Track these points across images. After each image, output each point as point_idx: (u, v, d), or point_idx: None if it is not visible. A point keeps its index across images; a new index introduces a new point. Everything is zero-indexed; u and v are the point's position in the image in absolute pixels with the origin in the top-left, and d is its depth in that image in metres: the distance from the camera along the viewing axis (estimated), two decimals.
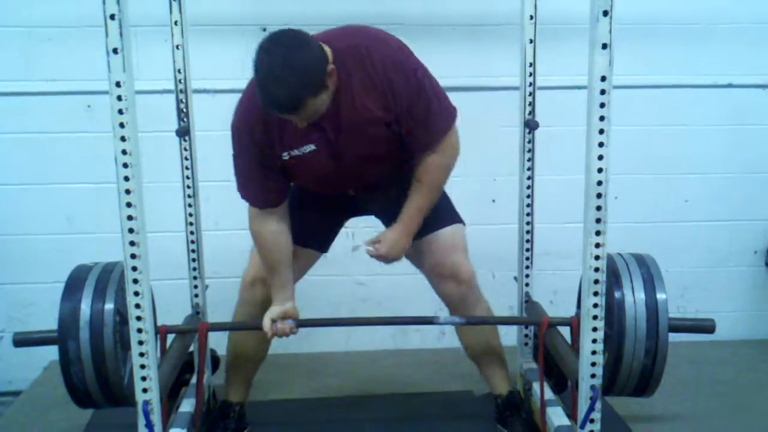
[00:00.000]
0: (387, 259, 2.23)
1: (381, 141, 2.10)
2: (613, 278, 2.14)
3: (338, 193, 2.32)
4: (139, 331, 1.88)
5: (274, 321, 2.24)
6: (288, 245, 2.23)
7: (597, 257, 1.88)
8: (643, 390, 2.18)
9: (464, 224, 2.43)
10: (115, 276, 2.12)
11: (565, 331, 2.38)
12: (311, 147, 2.06)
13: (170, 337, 2.34)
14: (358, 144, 2.08)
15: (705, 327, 2.24)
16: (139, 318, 1.87)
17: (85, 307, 2.04)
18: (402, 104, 2.03)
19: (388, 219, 2.39)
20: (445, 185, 2.25)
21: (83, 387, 2.06)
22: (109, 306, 2.05)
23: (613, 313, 2.10)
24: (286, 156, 2.07)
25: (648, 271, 2.16)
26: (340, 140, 2.06)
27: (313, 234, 2.38)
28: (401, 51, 2.07)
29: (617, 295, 2.11)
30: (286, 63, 1.82)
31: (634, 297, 2.11)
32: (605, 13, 1.71)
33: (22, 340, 2.16)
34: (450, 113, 2.15)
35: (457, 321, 2.41)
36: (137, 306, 1.87)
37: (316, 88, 1.87)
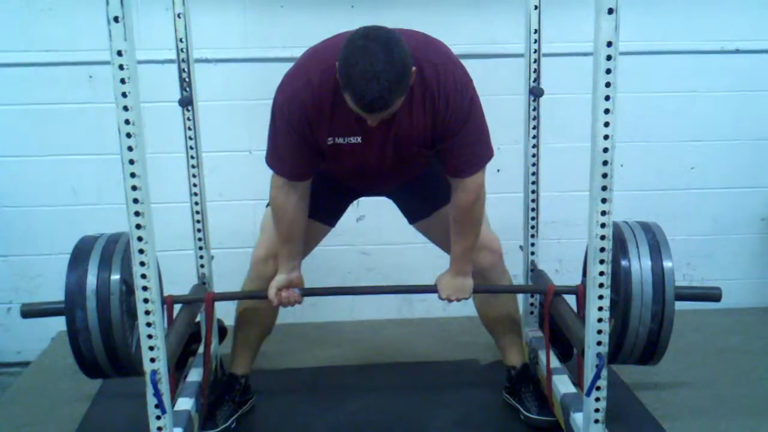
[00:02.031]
0: (451, 300, 2.32)
1: (419, 152, 2.10)
2: (620, 246, 2.13)
3: (360, 185, 2.35)
4: (146, 301, 1.89)
5: (279, 290, 2.24)
6: (305, 219, 2.23)
7: (603, 225, 1.87)
8: (649, 358, 2.18)
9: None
10: (121, 246, 2.11)
11: (571, 300, 2.39)
12: (357, 139, 2.04)
13: (177, 308, 2.34)
14: (400, 152, 2.09)
15: (712, 295, 2.23)
16: (145, 288, 1.88)
17: (92, 278, 2.03)
18: (451, 124, 2.00)
19: (400, 201, 2.44)
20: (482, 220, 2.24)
21: (91, 357, 2.06)
22: (116, 276, 2.04)
23: (620, 280, 2.09)
24: (330, 141, 2.04)
25: (654, 239, 2.15)
26: (387, 143, 2.05)
27: (323, 207, 2.36)
28: (464, 74, 2.04)
29: (623, 263, 2.10)
30: (388, 60, 1.76)
31: (640, 264, 2.10)
32: None
33: (30, 311, 2.17)
34: (487, 150, 2.12)
35: None
36: (143, 276, 1.87)
37: (406, 88, 1.83)
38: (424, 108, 1.99)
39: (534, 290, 2.70)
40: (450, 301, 2.32)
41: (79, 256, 2.08)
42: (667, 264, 2.10)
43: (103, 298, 2.02)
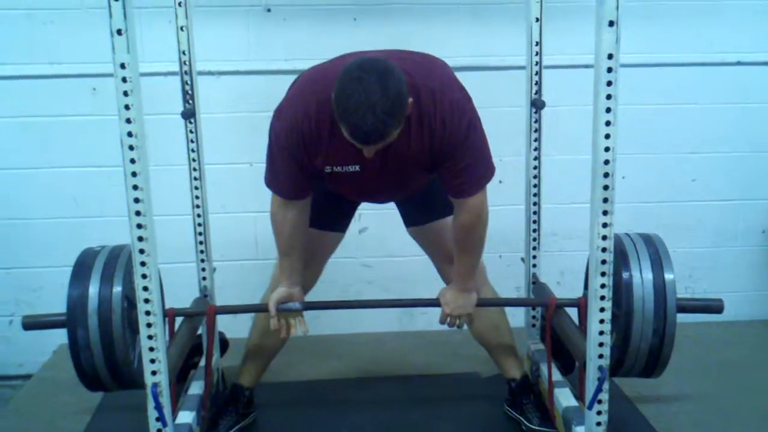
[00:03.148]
0: (455, 317, 2.31)
1: (421, 176, 2.14)
2: (621, 258, 2.13)
3: (362, 199, 2.38)
4: (147, 313, 1.89)
5: (279, 304, 2.24)
6: (304, 234, 2.24)
7: (604, 237, 1.87)
8: (651, 370, 2.18)
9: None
10: (123, 260, 2.12)
11: (573, 312, 2.38)
12: (356, 168, 2.05)
13: (178, 320, 2.34)
14: (400, 175, 2.11)
15: (713, 307, 2.23)
16: (147, 300, 1.88)
17: (93, 292, 2.04)
18: (450, 147, 2.01)
19: (401, 204, 2.44)
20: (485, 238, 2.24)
21: (93, 371, 2.07)
22: (117, 289, 2.05)
23: (621, 293, 2.10)
24: (328, 170, 2.06)
25: (656, 251, 2.15)
26: (385, 169, 2.06)
27: (330, 217, 2.39)
28: (462, 96, 2.05)
29: (625, 275, 2.11)
30: (383, 92, 1.76)
31: (642, 277, 2.10)
32: None
33: (32, 324, 2.17)
34: (488, 171, 2.12)
35: None
36: (145, 288, 1.87)
37: (402, 119, 1.84)
38: (422, 133, 1.99)
39: (536, 303, 2.70)
40: (452, 321, 2.32)
41: (81, 269, 2.09)
42: (668, 276, 2.10)
43: (105, 313, 2.02)
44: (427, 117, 1.97)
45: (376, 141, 1.83)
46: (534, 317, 2.78)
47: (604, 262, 1.89)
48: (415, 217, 2.44)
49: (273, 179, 2.14)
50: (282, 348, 2.54)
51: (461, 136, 2.00)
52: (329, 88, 1.84)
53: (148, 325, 1.90)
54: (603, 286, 1.91)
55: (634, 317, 2.09)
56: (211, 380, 2.52)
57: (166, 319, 2.24)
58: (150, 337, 1.91)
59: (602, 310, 1.92)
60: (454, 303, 2.29)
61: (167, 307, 2.27)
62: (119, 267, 2.10)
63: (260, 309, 2.33)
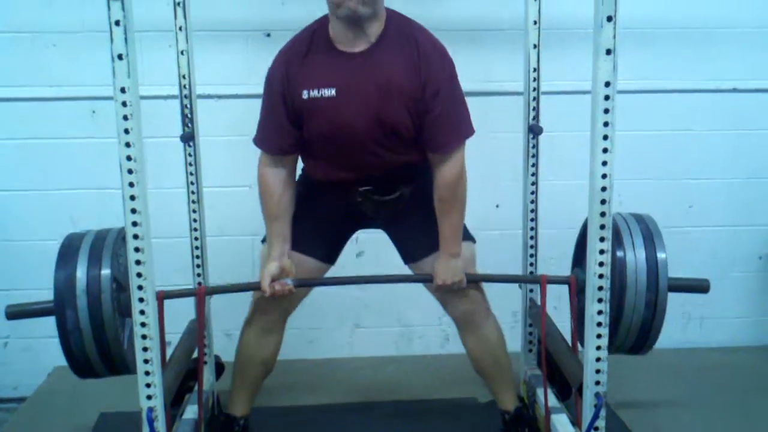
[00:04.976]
0: (450, 285, 2.28)
1: (400, 113, 2.12)
2: (615, 237, 2.11)
3: (347, 181, 2.27)
4: (144, 337, 1.88)
5: (272, 280, 2.23)
6: (292, 198, 2.28)
7: (601, 264, 1.88)
8: (641, 346, 2.18)
9: (474, 241, 2.41)
10: (110, 242, 2.06)
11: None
12: (331, 91, 2.11)
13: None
14: (379, 105, 2.11)
15: (700, 287, 2.27)
16: (143, 324, 1.87)
17: (81, 274, 1.98)
18: (431, 86, 2.09)
19: (396, 234, 2.42)
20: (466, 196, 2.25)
21: (83, 355, 2.00)
22: (106, 272, 1.98)
23: (615, 270, 2.08)
24: (305, 95, 2.12)
25: (647, 230, 2.18)
26: (362, 92, 2.10)
27: (318, 242, 2.36)
28: (444, 48, 2.17)
29: (619, 253, 2.10)
30: None
31: (635, 255, 2.12)
32: (609, 19, 1.71)
33: (16, 313, 2.09)
34: (468, 124, 2.20)
35: None
36: (142, 312, 1.87)
37: None
38: (404, 61, 2.09)
39: (528, 280, 2.73)
40: (446, 286, 2.27)
41: (68, 253, 2.04)
42: (660, 255, 2.12)
43: (94, 297, 1.97)
44: (409, 49, 2.11)
45: None
46: (530, 342, 2.78)
47: (600, 288, 1.89)
48: (411, 250, 2.39)
49: (262, 135, 2.25)
50: (272, 371, 2.49)
51: (445, 79, 2.12)
52: (306, 30, 2.15)
53: (145, 350, 1.89)
54: (600, 312, 1.91)
55: (626, 292, 2.09)
56: (207, 405, 2.50)
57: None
58: (146, 361, 1.90)
59: (599, 336, 1.92)
60: (447, 272, 2.26)
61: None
62: (106, 249, 2.04)
63: (253, 288, 2.31)
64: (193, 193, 2.60)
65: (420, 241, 2.35)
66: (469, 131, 2.20)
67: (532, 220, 2.71)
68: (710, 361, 3.23)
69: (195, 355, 2.53)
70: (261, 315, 2.38)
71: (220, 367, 2.81)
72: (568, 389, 2.56)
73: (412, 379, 3.16)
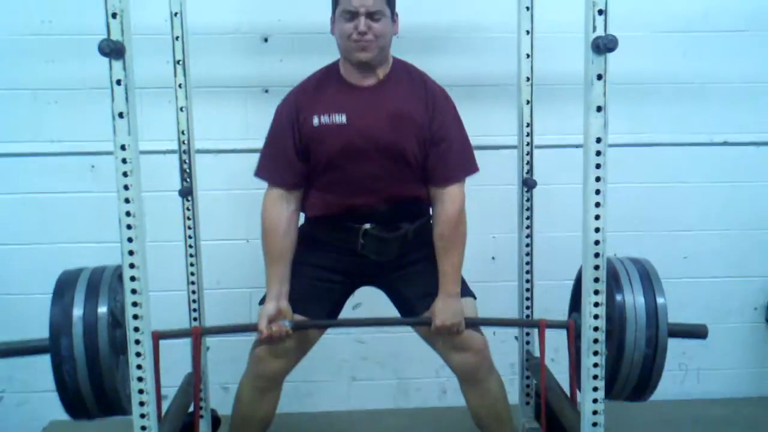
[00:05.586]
0: (449, 327, 2.22)
1: (409, 140, 2.19)
2: (614, 283, 2.16)
3: (350, 216, 2.26)
4: (141, 391, 1.88)
5: (269, 322, 2.20)
6: (294, 241, 2.28)
7: (596, 317, 1.89)
8: (644, 388, 2.16)
9: (475, 298, 2.39)
10: (107, 278, 2.05)
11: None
12: (342, 117, 2.17)
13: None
14: (389, 131, 2.18)
15: (699, 332, 2.29)
16: (140, 379, 1.87)
17: (78, 311, 1.97)
18: (438, 120, 2.20)
19: (395, 290, 2.39)
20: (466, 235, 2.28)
21: (76, 391, 1.97)
22: (103, 309, 1.97)
23: (614, 315, 2.09)
24: (316, 122, 2.18)
25: (647, 277, 2.24)
26: (373, 119, 2.17)
27: (318, 306, 2.33)
28: (446, 91, 2.32)
29: (618, 298, 2.12)
30: None
31: (634, 301, 2.14)
32: (599, 77, 1.76)
33: (6, 351, 2.06)
34: (472, 161, 2.30)
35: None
36: (139, 367, 1.87)
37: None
38: (413, 95, 2.22)
39: (527, 324, 2.73)
40: (449, 330, 2.22)
41: (63, 290, 2.02)
42: (660, 300, 2.16)
43: (90, 331, 1.95)
44: (418, 87, 2.24)
45: None
46: (528, 395, 2.77)
47: (596, 341, 1.90)
48: (410, 304, 2.35)
49: (269, 164, 2.28)
50: (270, 425, 2.44)
51: (450, 117, 2.25)
52: (317, 71, 2.27)
53: (141, 404, 1.89)
54: (596, 365, 1.91)
55: (626, 334, 2.09)
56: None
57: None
58: (143, 428, 1.90)
59: (595, 389, 1.92)
60: (444, 312, 2.22)
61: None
62: (104, 283, 2.03)
63: (250, 329, 2.28)
64: (190, 246, 2.62)
65: (419, 289, 2.32)
66: (473, 167, 2.28)
67: (527, 272, 2.72)
68: (708, 412, 3.21)
69: (191, 409, 2.52)
70: (259, 374, 2.33)
71: (216, 421, 2.79)
72: None
73: None
